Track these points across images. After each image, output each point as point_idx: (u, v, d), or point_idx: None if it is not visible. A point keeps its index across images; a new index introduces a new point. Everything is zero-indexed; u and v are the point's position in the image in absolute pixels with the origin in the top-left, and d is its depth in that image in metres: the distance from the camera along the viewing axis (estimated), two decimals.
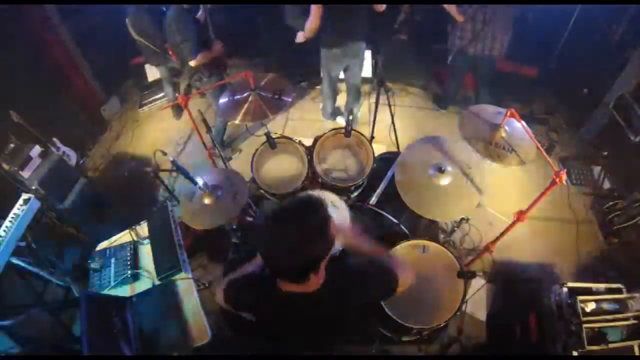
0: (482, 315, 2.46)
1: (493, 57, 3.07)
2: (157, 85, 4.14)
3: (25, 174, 2.55)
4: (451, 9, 2.94)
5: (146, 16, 3.18)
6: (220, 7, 3.18)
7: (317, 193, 2.16)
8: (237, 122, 2.03)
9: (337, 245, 1.09)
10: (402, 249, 1.97)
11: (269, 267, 1.05)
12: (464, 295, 1.83)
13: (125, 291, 1.89)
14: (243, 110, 2.03)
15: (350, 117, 2.21)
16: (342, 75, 3.40)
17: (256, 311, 1.24)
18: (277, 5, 3.94)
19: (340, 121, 3.74)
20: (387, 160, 2.39)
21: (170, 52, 3.37)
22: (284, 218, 1.01)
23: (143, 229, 2.12)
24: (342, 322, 1.24)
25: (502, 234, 1.89)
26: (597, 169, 3.21)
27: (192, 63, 2.70)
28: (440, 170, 1.87)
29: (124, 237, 2.11)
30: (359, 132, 2.36)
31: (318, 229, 1.00)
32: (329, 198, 2.11)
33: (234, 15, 3.96)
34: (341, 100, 3.87)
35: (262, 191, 2.33)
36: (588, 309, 1.91)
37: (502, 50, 3.05)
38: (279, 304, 1.15)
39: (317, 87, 4.24)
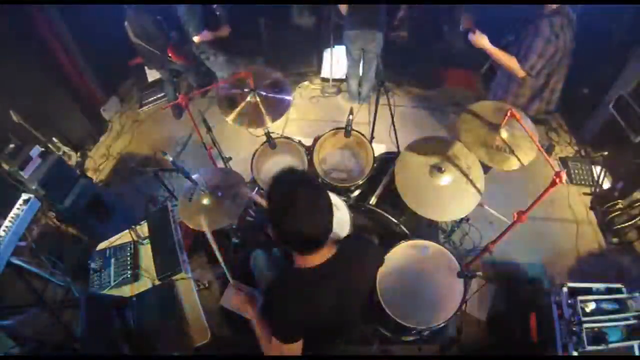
0: (482, 315, 2.46)
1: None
2: (157, 85, 4.14)
3: (25, 174, 2.54)
4: (512, 65, 2.21)
5: (146, 18, 3.17)
6: (221, 6, 3.21)
7: None
8: (229, 120, 2.03)
9: None
10: (402, 249, 1.97)
11: (293, 241, 1.10)
12: (464, 295, 1.83)
13: (125, 291, 1.89)
14: (238, 109, 2.03)
15: (351, 117, 2.20)
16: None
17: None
18: (278, 5, 3.96)
19: (364, 103, 3.93)
20: (387, 160, 2.39)
21: (171, 54, 3.37)
22: (297, 190, 1.06)
23: (143, 229, 2.12)
24: (361, 282, 1.34)
25: (502, 234, 1.89)
26: (597, 169, 3.21)
27: (196, 39, 3.02)
28: (440, 170, 1.87)
29: (124, 237, 2.11)
30: (359, 132, 2.36)
31: (323, 190, 1.11)
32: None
33: (235, 14, 3.95)
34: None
35: (262, 191, 2.33)
36: (588, 309, 1.92)
37: (556, 102, 2.53)
38: (308, 281, 1.18)
39: (317, 87, 4.25)
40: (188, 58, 3.56)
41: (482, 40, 2.21)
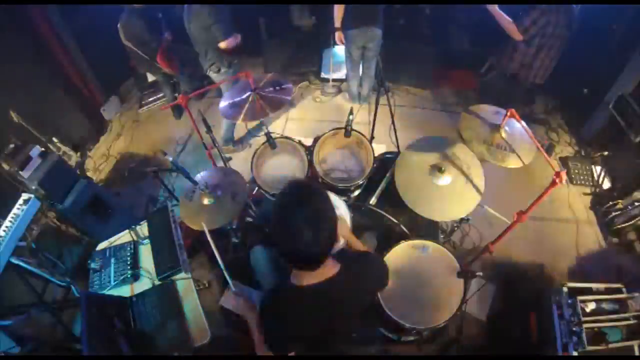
0: (482, 315, 2.46)
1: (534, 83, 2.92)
2: (157, 85, 4.14)
3: (25, 174, 2.54)
4: (510, 27, 2.65)
5: (139, 21, 3.14)
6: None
7: None
8: (239, 122, 2.04)
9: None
10: (402, 249, 1.97)
11: (295, 256, 1.07)
12: (464, 295, 1.83)
13: (125, 291, 1.89)
14: (244, 111, 2.04)
15: (351, 117, 2.21)
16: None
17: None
18: (279, 5, 3.96)
19: (364, 103, 3.90)
20: (387, 160, 2.39)
21: (159, 61, 3.35)
22: (298, 204, 1.03)
23: (143, 229, 2.12)
24: (358, 305, 1.31)
25: (502, 234, 1.89)
26: (597, 169, 3.21)
27: (222, 44, 2.73)
28: (440, 170, 1.87)
29: (124, 237, 2.11)
30: (359, 132, 2.36)
31: (327, 203, 1.07)
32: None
33: (235, 14, 3.96)
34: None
35: (262, 191, 2.34)
36: (588, 309, 1.92)
37: (545, 77, 2.89)
38: (302, 301, 1.17)
39: (317, 87, 4.25)
40: (176, 66, 3.52)
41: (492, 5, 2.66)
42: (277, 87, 2.13)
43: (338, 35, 3.38)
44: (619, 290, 2.00)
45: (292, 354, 1.23)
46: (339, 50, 3.80)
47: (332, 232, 1.06)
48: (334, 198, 2.11)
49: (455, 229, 2.42)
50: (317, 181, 1.11)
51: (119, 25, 3.19)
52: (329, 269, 1.15)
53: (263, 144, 2.37)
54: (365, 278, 1.26)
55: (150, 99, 4.19)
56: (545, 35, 2.63)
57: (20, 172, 2.51)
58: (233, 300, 1.40)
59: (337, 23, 3.29)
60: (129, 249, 2.02)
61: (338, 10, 3.21)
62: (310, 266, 1.12)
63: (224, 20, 2.69)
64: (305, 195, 1.04)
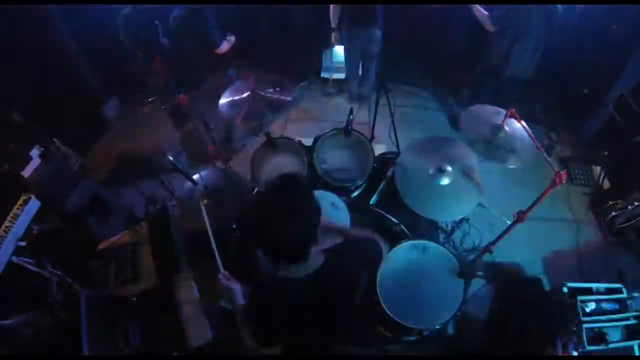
0: (482, 315, 2.46)
1: (519, 78, 2.96)
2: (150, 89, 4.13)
3: (25, 174, 2.54)
4: (483, 18, 2.75)
5: (142, 16, 3.13)
6: (221, 6, 3.19)
7: (316, 192, 2.15)
8: (238, 122, 2.04)
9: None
10: (402, 249, 1.97)
11: (272, 253, 1.07)
12: (464, 295, 1.83)
13: (125, 291, 1.89)
14: (244, 111, 2.04)
15: (351, 117, 2.21)
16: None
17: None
18: (279, 5, 3.96)
19: (364, 104, 3.88)
20: (387, 160, 2.39)
21: (156, 61, 3.33)
22: (275, 198, 1.04)
23: (143, 229, 2.12)
24: (348, 290, 1.29)
25: (502, 234, 1.89)
26: (597, 169, 3.21)
27: (218, 51, 2.81)
28: (440, 170, 1.87)
29: (124, 237, 2.11)
30: (359, 132, 2.36)
31: (308, 197, 1.07)
32: (329, 198, 2.11)
33: (235, 14, 3.96)
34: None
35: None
36: (588, 309, 1.92)
37: (529, 71, 2.92)
38: (287, 290, 1.15)
39: (317, 87, 4.24)
40: (165, 71, 3.50)
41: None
42: (277, 88, 2.13)
43: (334, 35, 3.36)
44: (619, 290, 2.00)
45: (278, 348, 1.22)
46: (339, 50, 3.79)
47: (309, 229, 1.05)
48: (334, 198, 2.11)
49: (455, 229, 2.42)
50: (303, 177, 1.10)
51: (119, 20, 3.18)
52: (315, 260, 1.15)
53: (263, 144, 2.37)
54: (352, 266, 1.26)
55: (151, 99, 4.18)
56: (519, 25, 2.67)
57: (21, 172, 2.51)
58: (219, 284, 1.39)
59: (334, 24, 3.27)
60: (129, 249, 2.02)
61: (334, 10, 3.19)
62: (290, 260, 1.11)
63: (214, 27, 2.75)
64: (284, 188, 1.05)
